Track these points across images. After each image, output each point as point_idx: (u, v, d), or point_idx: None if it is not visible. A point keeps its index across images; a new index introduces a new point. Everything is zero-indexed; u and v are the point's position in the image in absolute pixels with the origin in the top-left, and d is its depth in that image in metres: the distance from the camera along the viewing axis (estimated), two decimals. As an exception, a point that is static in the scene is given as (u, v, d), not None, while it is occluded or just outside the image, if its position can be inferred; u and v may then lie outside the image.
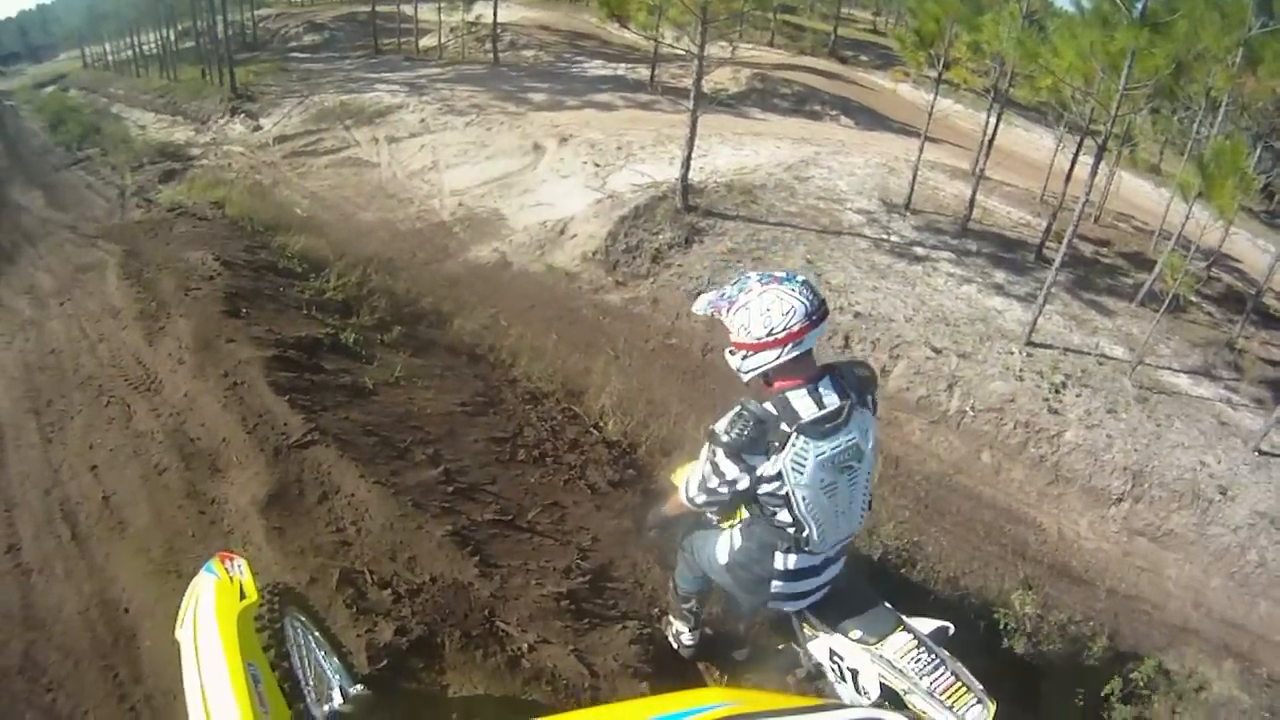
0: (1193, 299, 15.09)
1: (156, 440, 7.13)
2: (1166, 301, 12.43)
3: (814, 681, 5.55)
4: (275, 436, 6.75)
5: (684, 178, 16.02)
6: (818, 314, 3.62)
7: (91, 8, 53.03)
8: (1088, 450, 10.92)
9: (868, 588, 4.75)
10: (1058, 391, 11.79)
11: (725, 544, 4.37)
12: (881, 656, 4.28)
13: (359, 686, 4.14)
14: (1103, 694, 6.60)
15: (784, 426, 3.58)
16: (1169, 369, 12.92)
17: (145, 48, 45.36)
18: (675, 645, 5.59)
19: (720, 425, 3.67)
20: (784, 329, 3.60)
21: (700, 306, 3.89)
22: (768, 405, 3.63)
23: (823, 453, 3.64)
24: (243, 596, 3.52)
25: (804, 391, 3.65)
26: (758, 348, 3.69)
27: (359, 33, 38.45)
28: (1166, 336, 13.63)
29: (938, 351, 12.33)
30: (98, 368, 8.60)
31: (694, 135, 15.71)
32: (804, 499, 3.73)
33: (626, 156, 19.47)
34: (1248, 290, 16.41)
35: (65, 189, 21.48)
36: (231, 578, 3.64)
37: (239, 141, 24.41)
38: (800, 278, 3.77)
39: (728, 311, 3.76)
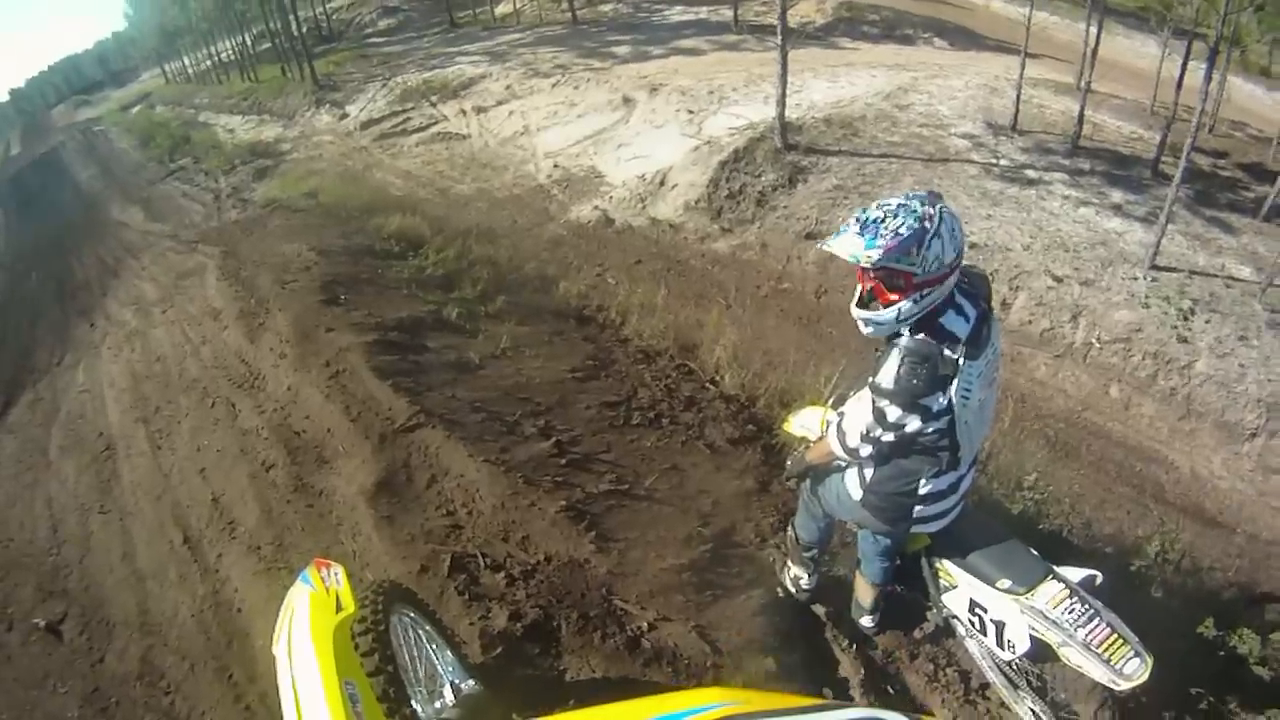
0: None
1: (262, 437, 7.08)
2: None
3: (940, 638, 5.32)
4: (380, 422, 6.61)
5: (781, 116, 15.45)
6: (956, 232, 3.40)
7: (163, 27, 54.17)
8: (1220, 382, 10.27)
9: (1012, 537, 4.60)
10: (1186, 318, 11.14)
11: (855, 478, 4.20)
12: (1032, 607, 4.17)
13: (470, 682, 3.94)
14: (1240, 654, 6.20)
15: (949, 354, 3.44)
16: None
17: (223, 56, 46.33)
18: (793, 590, 5.45)
19: (887, 377, 3.48)
20: (965, 248, 3.45)
21: (871, 255, 3.34)
22: (921, 337, 3.46)
23: (980, 371, 3.56)
24: (339, 608, 3.37)
25: (950, 312, 3.50)
26: (943, 278, 3.42)
27: (433, 10, 38.57)
28: None
29: (1059, 280, 11.73)
30: (202, 370, 8.59)
31: (785, 71, 15.16)
32: (966, 422, 3.66)
33: (719, 100, 18.98)
34: None
35: (162, 201, 21.90)
36: (328, 588, 3.50)
37: (327, 131, 24.54)
38: (927, 192, 3.50)
39: (919, 249, 3.33)
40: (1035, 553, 4.46)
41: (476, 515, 5.67)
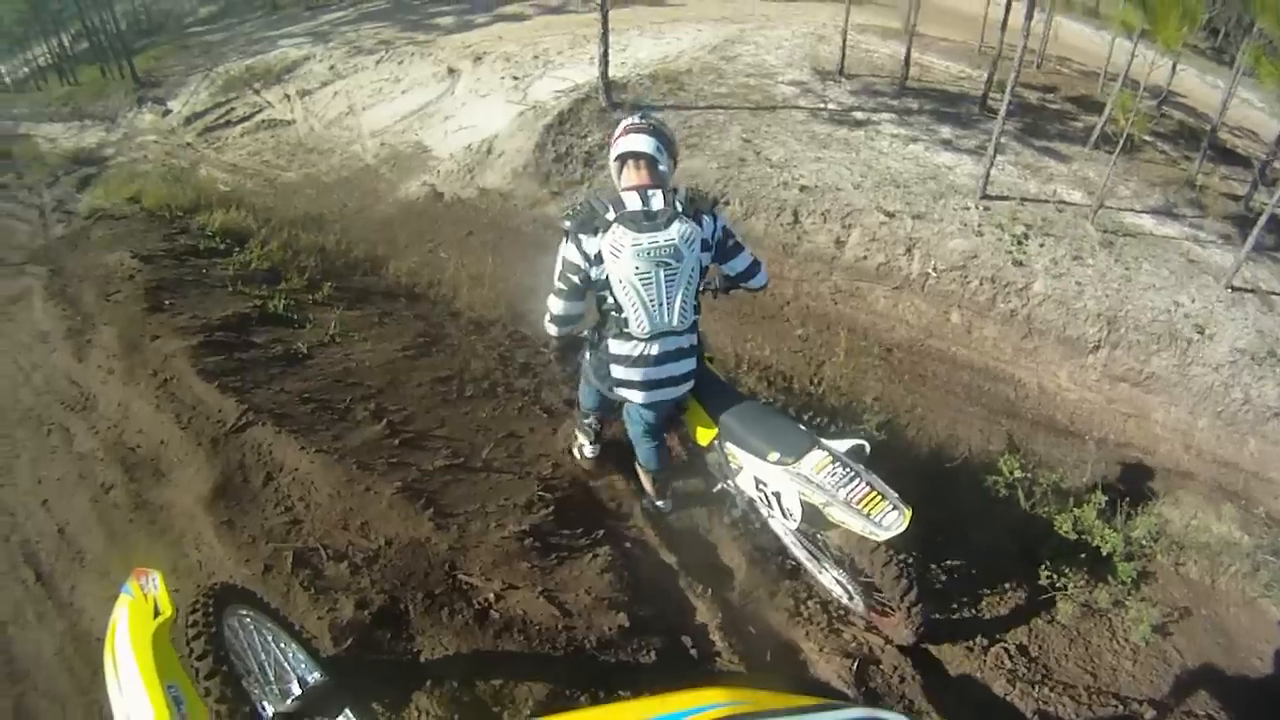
0: (1146, 138, 14.96)
1: (99, 459, 6.88)
2: (1120, 142, 12.11)
3: (797, 573, 5.86)
4: (211, 426, 6.50)
5: (604, 75, 15.53)
6: (632, 126, 4.90)
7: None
8: (1058, 300, 10.68)
9: (783, 416, 5.44)
10: (1020, 243, 11.53)
11: (587, 344, 5.25)
12: (799, 474, 4.79)
13: (315, 674, 3.93)
14: (1104, 554, 6.50)
15: (609, 214, 4.56)
16: (1131, 210, 12.73)
17: (40, 60, 44.20)
18: (578, 457, 6.42)
19: (565, 209, 4.74)
20: (614, 137, 4.99)
21: None
22: (603, 198, 4.66)
23: (639, 244, 4.54)
24: (157, 613, 3.31)
25: (635, 194, 4.66)
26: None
27: (254, -9, 37.40)
28: (1124, 178, 13.44)
29: (891, 215, 12.00)
30: (35, 398, 8.28)
31: (607, 29, 15.15)
32: (620, 282, 4.62)
33: (544, 64, 18.93)
34: (1201, 126, 16.16)
35: (-15, 224, 20.96)
36: (146, 595, 3.44)
37: (150, 130, 23.65)
38: (648, 113, 5.20)
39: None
40: (803, 427, 5.14)
41: (314, 507, 5.65)
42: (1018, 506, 7.05)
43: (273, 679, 3.71)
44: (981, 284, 10.99)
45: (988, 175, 12.35)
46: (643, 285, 4.62)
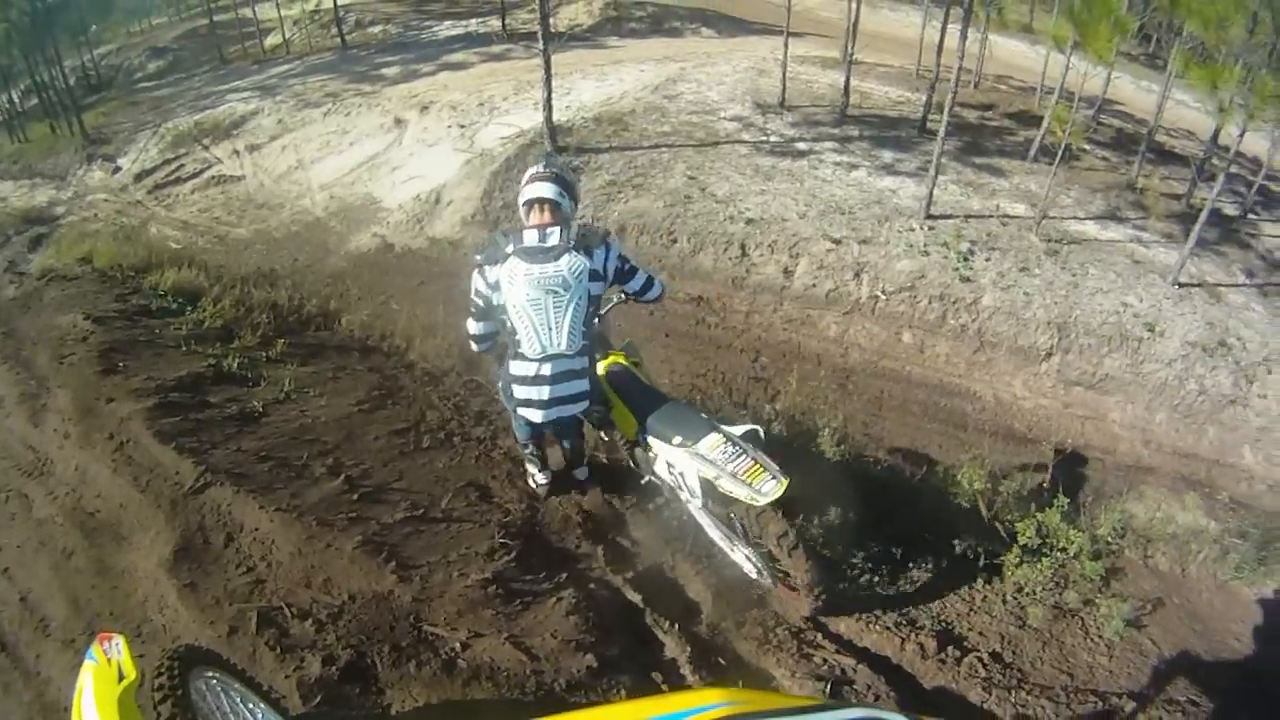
0: (1085, 147, 15.41)
1: (58, 524, 6.80)
2: (1059, 153, 12.38)
3: (766, 602, 6.08)
4: (169, 488, 6.48)
5: (548, 120, 15.70)
6: (536, 175, 5.48)
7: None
8: (1008, 311, 10.93)
9: (692, 410, 6.15)
10: (966, 259, 11.76)
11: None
12: (698, 454, 5.52)
13: (285, 731, 3.92)
14: (1071, 554, 6.62)
15: (509, 248, 5.27)
16: (1074, 218, 13.08)
17: (-11, 117, 43.82)
18: (533, 486, 6.82)
19: (478, 245, 5.33)
20: (521, 184, 5.56)
21: None
22: (509, 234, 5.36)
23: (531, 273, 5.23)
24: (121, 677, 3.35)
25: (535, 231, 5.32)
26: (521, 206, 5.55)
27: (202, 48, 36.94)
28: (1066, 187, 13.80)
29: (837, 242, 12.22)
30: (-8, 466, 8.22)
31: (549, 75, 15.31)
32: (514, 306, 5.32)
33: (490, 111, 19.14)
34: (1139, 130, 16.72)
35: (-61, 287, 20.69)
36: (110, 660, 3.46)
37: (100, 188, 23.43)
38: (551, 160, 5.68)
39: None
40: (705, 416, 5.91)
41: (276, 566, 5.67)
42: (980, 517, 7.16)
43: (241, 740, 3.72)
44: (931, 302, 11.19)
45: (930, 195, 12.60)
46: (534, 310, 5.31)
